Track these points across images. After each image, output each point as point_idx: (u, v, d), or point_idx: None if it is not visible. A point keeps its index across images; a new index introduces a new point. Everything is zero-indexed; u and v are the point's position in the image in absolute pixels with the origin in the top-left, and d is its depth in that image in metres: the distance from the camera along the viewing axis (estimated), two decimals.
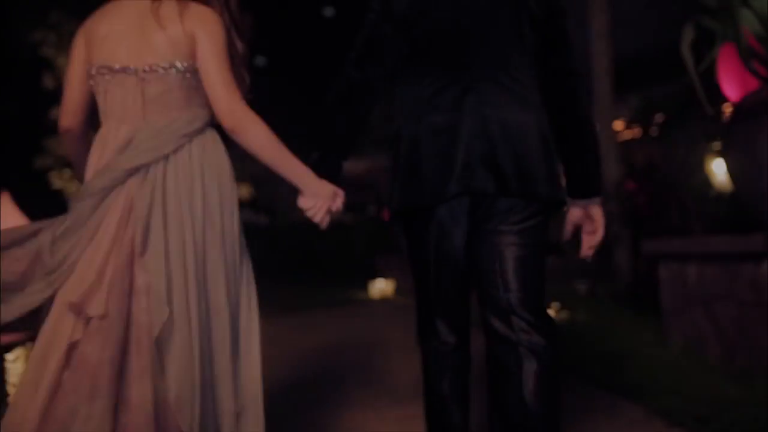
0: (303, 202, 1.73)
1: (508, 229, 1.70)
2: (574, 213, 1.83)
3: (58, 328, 1.51)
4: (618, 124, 6.69)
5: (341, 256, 11.94)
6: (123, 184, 1.57)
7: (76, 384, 1.45)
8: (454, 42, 1.70)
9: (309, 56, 16.14)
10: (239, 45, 1.73)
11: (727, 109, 4.42)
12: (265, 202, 14.11)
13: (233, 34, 1.72)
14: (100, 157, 1.63)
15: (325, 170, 1.74)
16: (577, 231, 1.87)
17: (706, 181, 5.42)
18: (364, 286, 8.95)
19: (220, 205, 1.64)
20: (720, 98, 3.96)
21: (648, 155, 6.08)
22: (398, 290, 8.54)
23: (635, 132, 6.34)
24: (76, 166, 1.80)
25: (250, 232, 1.82)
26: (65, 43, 10.87)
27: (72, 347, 1.48)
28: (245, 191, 10.50)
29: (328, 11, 18.92)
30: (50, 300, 1.57)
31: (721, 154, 4.69)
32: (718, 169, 5.63)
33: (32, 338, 2.88)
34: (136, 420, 1.44)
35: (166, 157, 1.60)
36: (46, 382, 1.45)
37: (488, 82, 1.69)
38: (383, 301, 8.27)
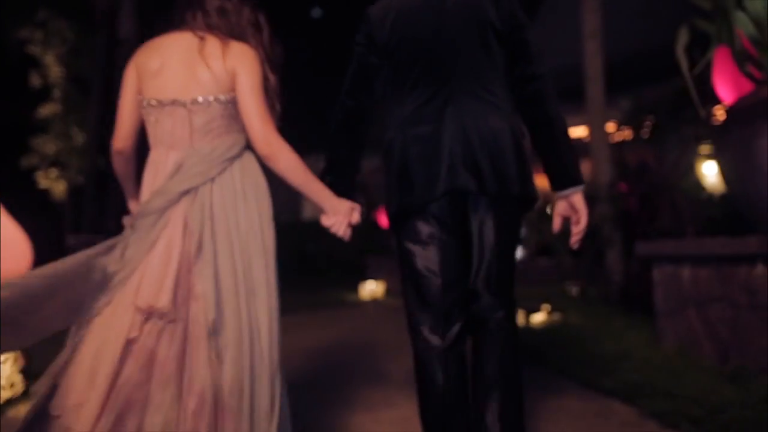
0: (326, 220, 1.94)
1: (485, 224, 1.88)
2: (560, 205, 1.96)
3: (112, 325, 1.69)
4: (609, 126, 6.71)
5: (331, 257, 11.90)
6: (177, 203, 1.78)
7: (149, 376, 1.67)
8: (432, 62, 1.90)
9: (298, 56, 16.11)
10: (272, 77, 1.92)
11: (719, 112, 4.44)
12: None
13: (267, 68, 1.91)
14: (153, 180, 1.83)
15: (340, 190, 1.95)
16: (567, 225, 2.00)
17: (697, 183, 5.45)
18: (355, 288, 8.92)
19: (260, 219, 1.84)
20: (711, 100, 3.98)
21: (640, 157, 6.11)
22: (388, 292, 8.52)
23: (626, 134, 6.36)
24: (123, 183, 2.01)
25: None
26: (52, 41, 10.79)
27: (130, 343, 1.68)
28: None
29: (316, 12, 18.93)
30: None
31: (714, 156, 4.71)
32: (709, 171, 5.67)
33: None
34: (200, 404, 1.65)
35: (212, 179, 1.81)
36: (104, 372, 1.64)
37: (465, 94, 1.88)
38: (374, 302, 8.24)
